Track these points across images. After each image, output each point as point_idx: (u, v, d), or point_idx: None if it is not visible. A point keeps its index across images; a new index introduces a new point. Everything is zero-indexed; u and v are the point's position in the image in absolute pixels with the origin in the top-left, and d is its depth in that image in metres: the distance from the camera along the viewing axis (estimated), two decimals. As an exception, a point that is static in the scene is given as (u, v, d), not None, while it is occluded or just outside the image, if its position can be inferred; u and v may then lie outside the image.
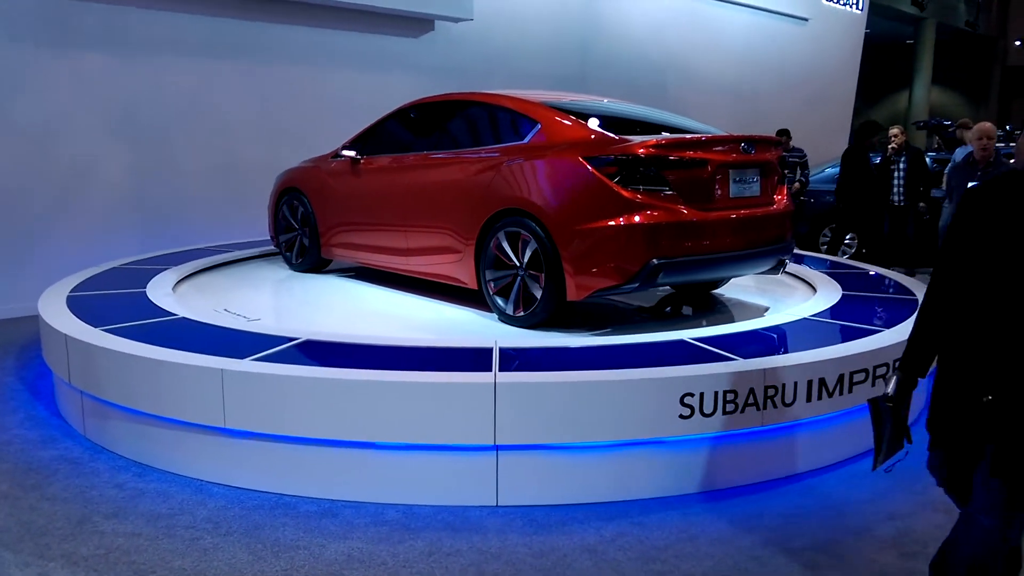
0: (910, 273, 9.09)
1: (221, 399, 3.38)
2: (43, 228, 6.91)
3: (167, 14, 7.42)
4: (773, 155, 4.72)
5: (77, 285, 5.19)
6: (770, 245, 4.62)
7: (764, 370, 3.46)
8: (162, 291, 5.02)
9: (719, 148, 4.38)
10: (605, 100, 5.43)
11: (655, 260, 4.06)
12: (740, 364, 3.53)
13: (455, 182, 4.82)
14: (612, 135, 4.29)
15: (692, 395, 3.34)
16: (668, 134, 4.53)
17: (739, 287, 5.79)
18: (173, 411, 3.53)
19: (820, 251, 10.04)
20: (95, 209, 7.20)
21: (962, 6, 26.95)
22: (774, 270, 4.82)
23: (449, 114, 5.22)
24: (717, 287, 5.46)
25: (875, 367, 3.80)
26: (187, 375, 3.45)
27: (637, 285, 4.13)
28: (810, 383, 3.57)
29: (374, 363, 3.62)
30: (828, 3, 16.18)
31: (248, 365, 3.42)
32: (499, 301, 4.58)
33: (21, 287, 6.48)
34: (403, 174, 5.30)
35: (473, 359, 3.59)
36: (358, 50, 8.88)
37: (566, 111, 4.60)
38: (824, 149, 14.60)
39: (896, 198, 9.13)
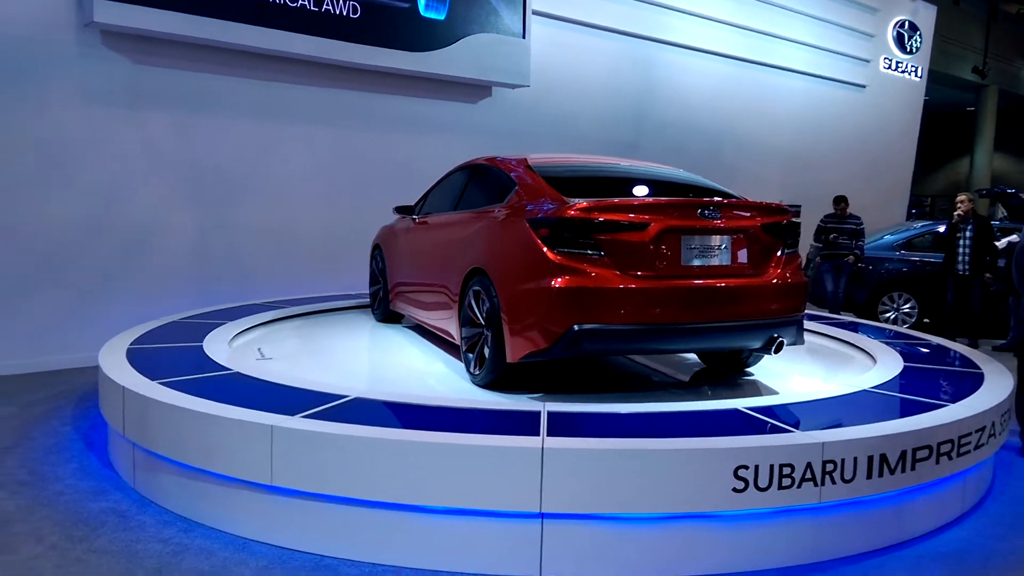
0: (974, 344, 8.79)
1: (269, 455, 3.39)
2: (109, 282, 7.15)
3: (231, 79, 7.76)
4: (755, 222, 4.32)
5: (138, 338, 5.32)
6: (753, 320, 4.24)
7: (823, 443, 3.34)
8: (218, 345, 5.11)
9: (670, 212, 4.12)
10: (623, 163, 5.40)
11: (576, 326, 3.89)
12: (797, 436, 3.41)
13: (453, 241, 5.05)
14: (562, 198, 4.18)
15: (746, 467, 3.23)
16: (624, 198, 4.27)
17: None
18: (221, 466, 3.55)
19: (878, 319, 9.79)
20: (158, 265, 7.44)
21: (1024, 74, 26.55)
22: (765, 349, 4.38)
23: (470, 177, 5.43)
24: (747, 358, 4.99)
25: (939, 444, 3.63)
26: (236, 430, 3.48)
27: (560, 351, 3.94)
28: (871, 459, 3.42)
29: (422, 423, 3.61)
30: (886, 70, 16.12)
31: (297, 422, 3.43)
32: (467, 357, 4.68)
33: (86, 338, 6.67)
34: (429, 233, 5.63)
35: (521, 422, 3.54)
36: (418, 115, 9.13)
37: (549, 174, 4.57)
38: (882, 217, 14.36)
39: (961, 267, 8.88)
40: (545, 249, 4.00)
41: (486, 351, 4.41)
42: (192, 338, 5.31)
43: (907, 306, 9.89)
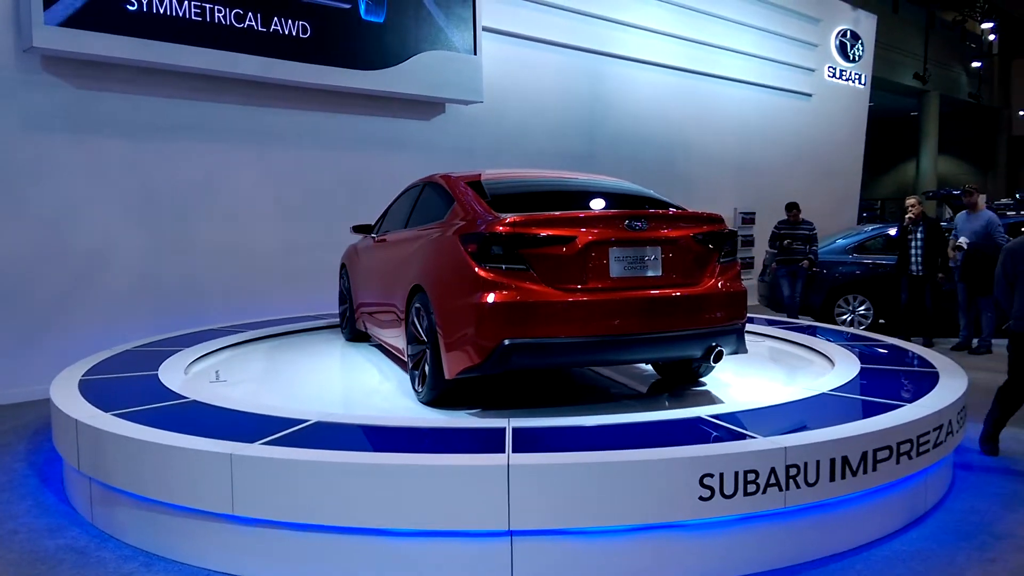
0: (928, 343, 8.99)
1: (230, 484, 3.32)
2: (59, 311, 6.97)
3: (180, 101, 7.65)
4: (687, 231, 4.31)
5: (90, 368, 5.18)
6: (688, 330, 4.22)
7: (785, 448, 3.37)
8: (174, 373, 5.00)
9: (597, 225, 4.12)
10: (566, 176, 5.45)
11: (506, 341, 3.89)
12: (760, 442, 3.44)
13: (400, 259, 5.08)
14: (491, 213, 4.21)
15: (712, 475, 3.25)
16: (550, 212, 4.20)
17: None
18: (181, 497, 3.46)
19: (835, 322, 9.98)
20: (110, 292, 7.27)
21: (964, 78, 27.47)
22: (705, 357, 4.35)
23: (419, 195, 5.45)
24: (698, 368, 4.90)
25: (898, 443, 3.69)
26: (195, 460, 3.39)
27: (492, 366, 3.95)
28: (832, 461, 3.46)
29: (385, 445, 3.57)
30: (831, 79, 16.52)
31: (257, 449, 3.36)
32: (412, 374, 4.71)
33: (36, 370, 6.50)
34: (383, 252, 5.67)
35: (486, 440, 3.52)
36: (370, 133, 9.09)
37: (486, 190, 4.59)
38: (834, 221, 14.68)
39: (914, 268, 9.10)
40: (474, 265, 4.01)
41: (427, 368, 4.43)
42: (147, 367, 5.18)
43: (862, 308, 10.10)
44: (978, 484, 4.49)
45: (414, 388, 4.67)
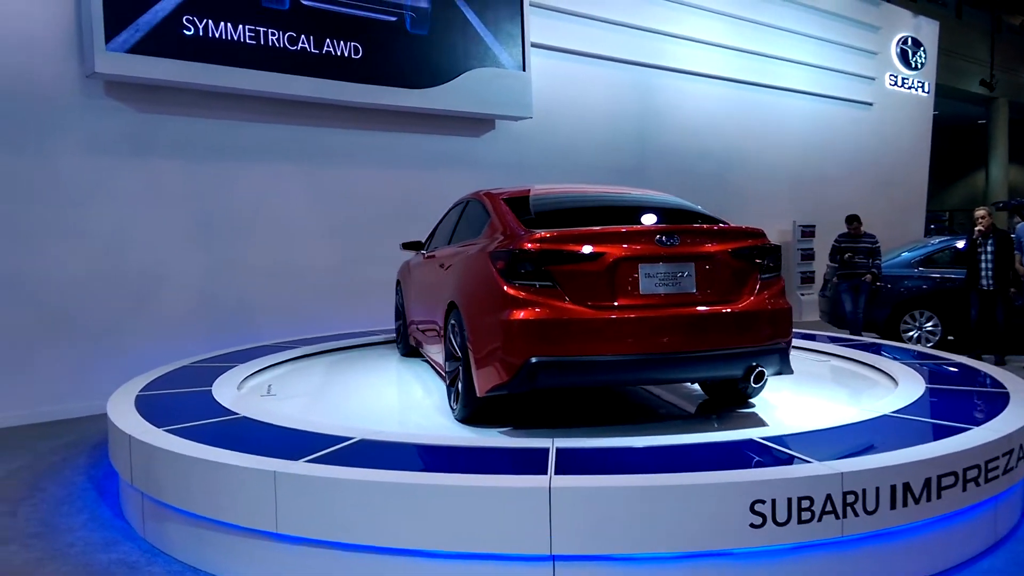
0: (1000, 361, 8.60)
1: (274, 502, 3.33)
2: (118, 330, 7.16)
3: (235, 123, 7.84)
4: (723, 247, 4.18)
5: (147, 384, 5.30)
6: (726, 350, 4.07)
7: (842, 473, 3.22)
8: (227, 389, 5.07)
9: (627, 241, 4.04)
10: (607, 190, 5.36)
11: (534, 358, 3.83)
12: (815, 467, 3.30)
13: (441, 276, 5.07)
14: (522, 229, 4.18)
15: (763, 501, 3.12)
16: (580, 228, 4.15)
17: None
18: (226, 514, 3.49)
19: (901, 339, 9.63)
20: (167, 311, 7.45)
21: (1035, 84, 26.40)
22: (745, 380, 4.16)
23: (462, 212, 5.47)
24: (744, 388, 4.58)
25: (964, 469, 3.50)
26: (240, 477, 3.42)
27: (520, 384, 3.89)
28: (893, 488, 3.30)
29: (428, 464, 3.55)
30: (892, 87, 16.07)
31: (301, 467, 3.37)
32: (449, 392, 4.68)
33: (97, 386, 6.66)
34: (429, 268, 5.66)
35: (529, 460, 3.45)
36: (420, 150, 9.16)
37: (522, 206, 4.58)
38: (899, 233, 14.23)
39: (985, 282, 8.72)
40: (501, 282, 3.99)
41: (460, 385, 4.42)
42: (201, 383, 5.27)
43: (929, 324, 9.72)
44: (1054, 512, 4.23)
45: (450, 405, 4.67)
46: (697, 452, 3.61)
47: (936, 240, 11.04)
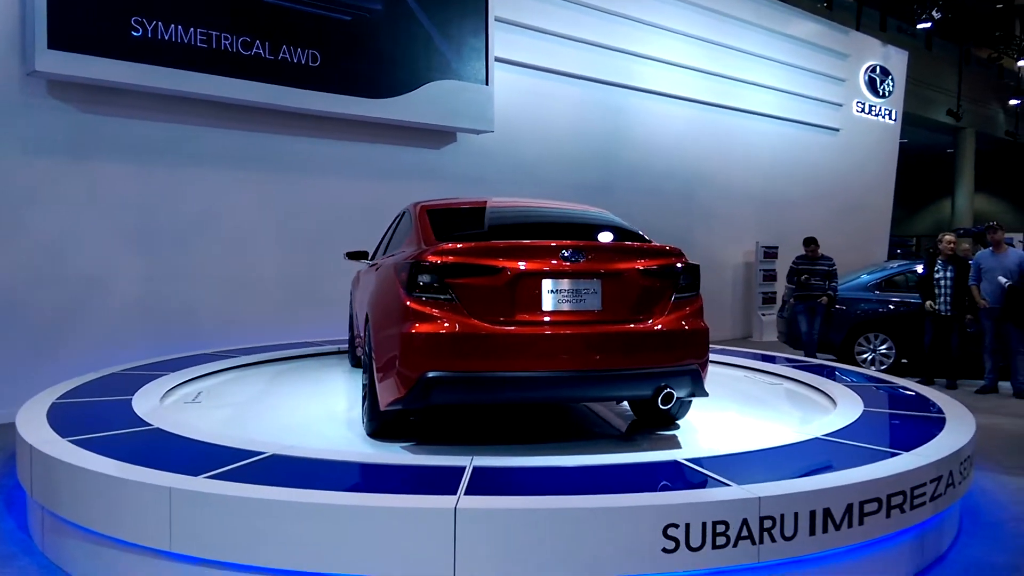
0: (952, 385, 8.60)
1: (168, 519, 3.16)
2: (55, 336, 6.93)
3: (184, 127, 7.66)
4: (634, 264, 4.07)
5: (67, 392, 5.10)
6: (632, 370, 3.97)
7: (759, 498, 3.12)
8: (149, 399, 4.89)
9: (530, 255, 3.93)
10: (536, 204, 5.24)
11: (429, 373, 3.75)
12: (733, 491, 3.19)
13: (369, 287, 5.04)
14: (430, 242, 4.13)
15: (677, 526, 3.01)
16: (484, 241, 4.11)
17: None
18: (120, 530, 3.31)
19: (855, 360, 9.61)
20: (108, 318, 7.23)
21: (1002, 115, 26.90)
22: (654, 401, 4.01)
23: (397, 223, 5.44)
24: (668, 408, 4.30)
25: (889, 496, 3.41)
26: (134, 492, 3.25)
27: (415, 399, 3.80)
28: (813, 514, 3.20)
29: (337, 482, 3.40)
30: (860, 114, 16.23)
31: (198, 483, 3.20)
32: (362, 405, 4.59)
33: (30, 392, 6.38)
34: (366, 279, 5.58)
35: (442, 479, 3.32)
36: (379, 161, 9.04)
37: (441, 218, 4.53)
38: (861, 258, 14.30)
39: (943, 308, 8.73)
40: (403, 294, 3.93)
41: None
42: (124, 391, 5.08)
43: (884, 347, 9.72)
44: (986, 537, 4.16)
45: (362, 419, 4.55)
46: (619, 473, 3.50)
47: (894, 264, 11.09)
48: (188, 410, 5.02)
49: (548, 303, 3.91)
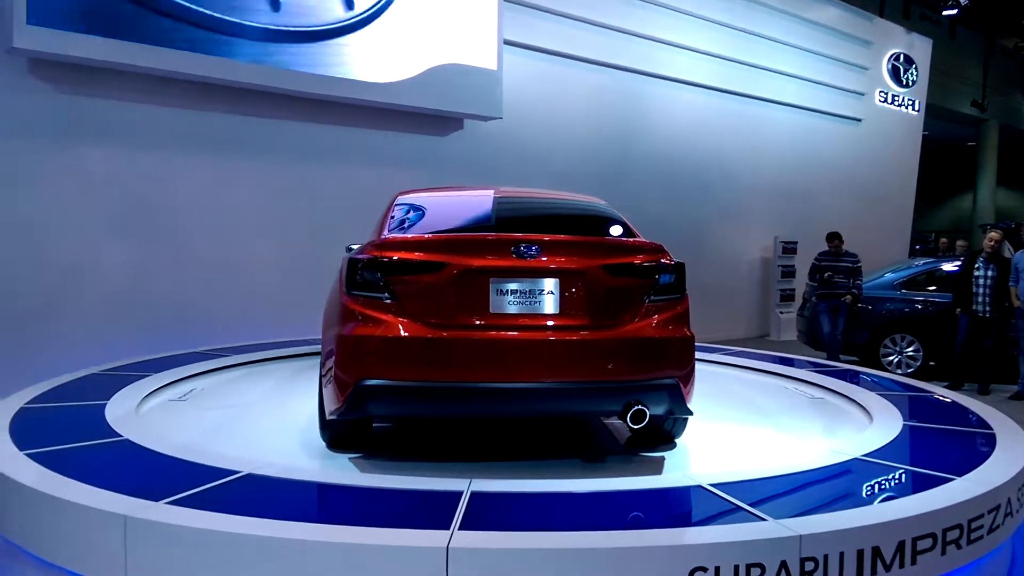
0: (984, 391, 8.15)
1: (124, 550, 2.77)
2: (35, 328, 6.57)
3: (175, 110, 7.27)
4: (598, 261, 3.56)
5: (38, 396, 4.71)
6: (593, 382, 3.47)
7: (800, 536, 2.70)
8: (124, 405, 4.50)
9: (476, 251, 3.52)
10: (525, 195, 4.75)
11: (364, 381, 3.37)
12: (770, 527, 2.78)
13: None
14: (381, 236, 3.76)
15: (705, 569, 2.60)
16: (423, 234, 3.76)
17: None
18: (72, 561, 2.93)
19: (880, 364, 9.16)
20: (92, 309, 6.86)
21: (1026, 108, 26.20)
22: (623, 418, 3.47)
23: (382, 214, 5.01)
24: (662, 425, 4.03)
25: (945, 530, 2.99)
26: (86, 518, 2.86)
27: (353, 409, 3.43)
28: (860, 554, 2.78)
29: (313, 510, 3.02)
30: (882, 104, 15.69)
31: (158, 511, 2.81)
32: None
33: (5, 394, 6.07)
34: None
35: (436, 507, 2.92)
36: (381, 147, 8.64)
37: (407, 210, 4.17)
38: (883, 254, 13.82)
39: (980, 308, 8.25)
40: (343, 293, 3.61)
41: None
42: (100, 395, 4.69)
43: (911, 349, 9.26)
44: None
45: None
46: (635, 501, 3.10)
47: (921, 261, 10.61)
48: (169, 414, 4.65)
49: (495, 305, 3.46)
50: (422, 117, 8.80)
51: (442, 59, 8.56)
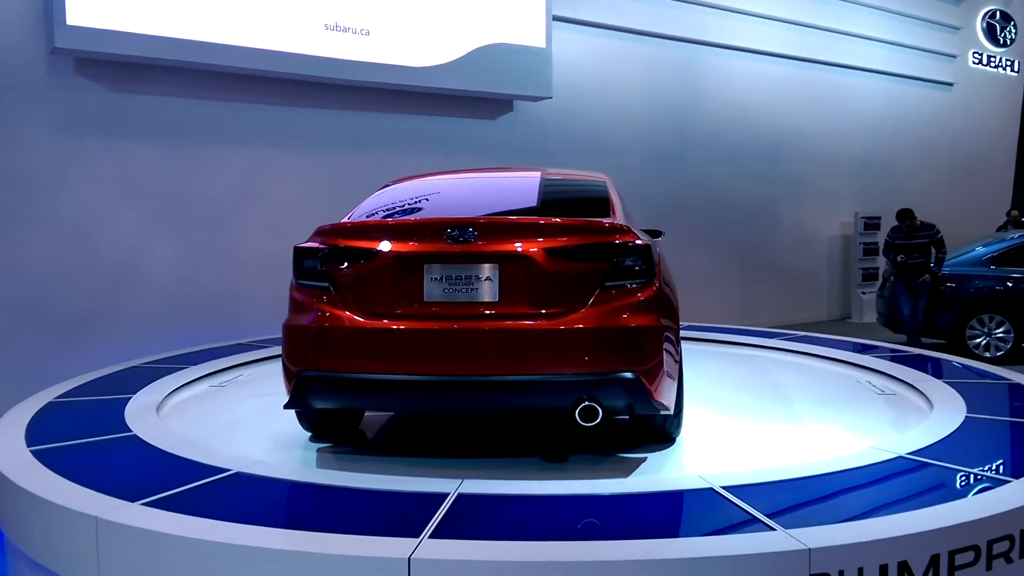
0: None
1: (96, 551, 2.71)
2: (87, 324, 6.72)
3: (219, 103, 7.30)
4: (542, 244, 3.26)
5: (69, 390, 4.80)
6: (537, 376, 3.17)
7: (809, 549, 2.40)
8: (147, 399, 4.52)
9: (408, 236, 3.36)
10: (525, 174, 4.42)
11: (304, 372, 3.32)
12: (779, 537, 2.48)
13: None
14: (336, 223, 3.61)
15: (695, 586, 2.34)
16: (364, 219, 3.68)
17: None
18: (54, 561, 2.90)
19: (967, 347, 8.47)
20: (142, 304, 6.98)
21: None
22: (573, 414, 3.16)
23: None
24: (652, 419, 3.69)
25: (990, 543, 2.62)
26: (63, 518, 2.82)
27: (298, 401, 3.40)
28: (884, 569, 2.46)
29: (292, 512, 2.89)
30: (976, 66, 14.56)
31: (129, 513, 2.74)
32: None
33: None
34: None
35: (414, 510, 2.75)
36: (429, 133, 8.49)
37: (391, 194, 4.07)
38: (979, 226, 12.83)
39: None
40: (292, 282, 3.58)
41: None
42: (130, 389, 4.74)
43: (1000, 330, 8.52)
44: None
45: None
46: (633, 504, 2.85)
47: (1016, 234, 9.74)
48: (199, 406, 4.67)
49: (429, 293, 3.29)
50: (470, 100, 8.61)
51: (488, 39, 8.33)
